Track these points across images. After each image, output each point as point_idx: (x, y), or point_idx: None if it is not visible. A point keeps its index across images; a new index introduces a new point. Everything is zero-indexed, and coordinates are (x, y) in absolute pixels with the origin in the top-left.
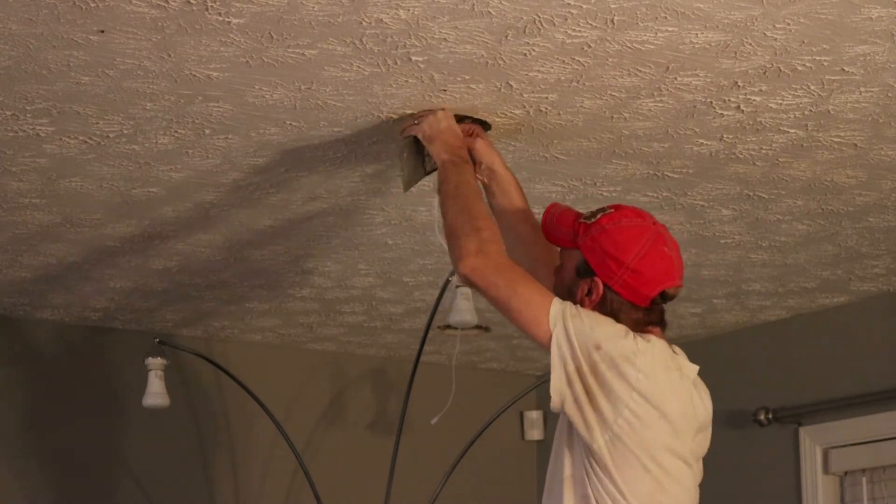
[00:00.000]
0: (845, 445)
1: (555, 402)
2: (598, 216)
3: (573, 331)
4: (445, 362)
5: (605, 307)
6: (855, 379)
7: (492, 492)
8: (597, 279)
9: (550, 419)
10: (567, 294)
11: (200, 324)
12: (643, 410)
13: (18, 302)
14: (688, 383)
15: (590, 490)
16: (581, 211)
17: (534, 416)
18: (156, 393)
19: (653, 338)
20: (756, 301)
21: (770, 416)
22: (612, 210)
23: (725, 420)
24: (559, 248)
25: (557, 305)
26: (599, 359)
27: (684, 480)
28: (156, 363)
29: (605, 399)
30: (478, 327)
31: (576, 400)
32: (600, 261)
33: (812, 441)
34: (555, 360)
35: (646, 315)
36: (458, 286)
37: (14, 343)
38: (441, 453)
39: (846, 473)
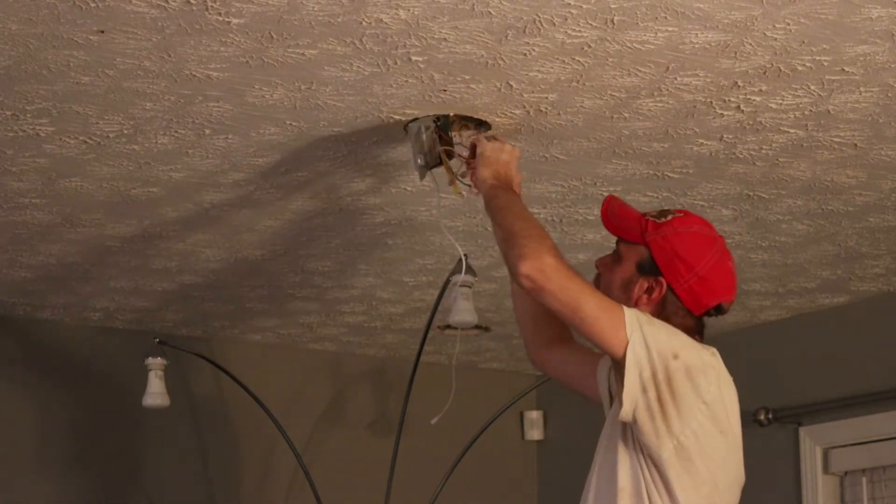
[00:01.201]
0: (845, 445)
1: (626, 410)
2: (669, 217)
3: (650, 338)
4: (445, 362)
5: (662, 309)
6: (855, 379)
7: (492, 492)
8: (661, 279)
9: (550, 419)
10: (621, 289)
11: (200, 324)
12: (709, 423)
13: (18, 302)
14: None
15: (647, 501)
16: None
17: (534, 416)
18: (156, 393)
19: (714, 350)
20: (756, 301)
21: (770, 416)
22: (682, 214)
23: None
24: (616, 240)
25: (631, 312)
26: (676, 368)
27: (729, 497)
28: (156, 363)
29: (675, 408)
30: (478, 327)
31: (648, 407)
32: (669, 261)
33: (812, 441)
34: (630, 367)
35: (696, 323)
36: (459, 286)
37: (14, 343)
38: (441, 453)
39: (846, 473)
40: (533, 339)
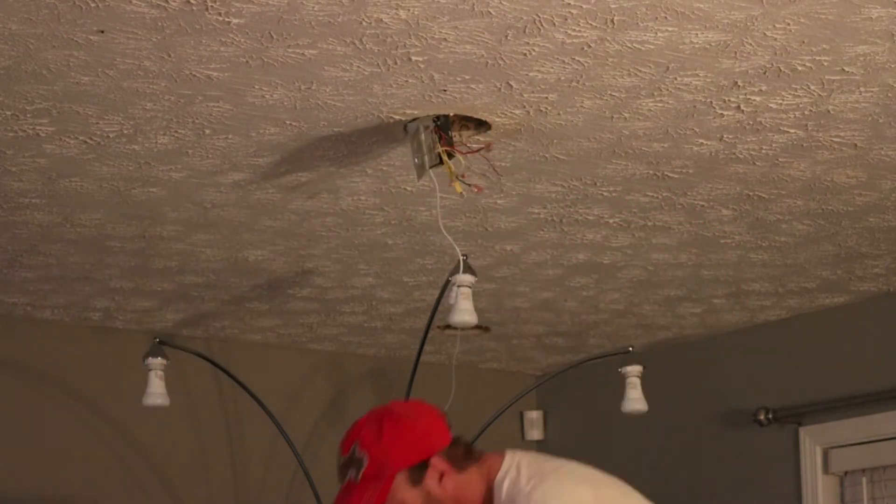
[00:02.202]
0: (845, 445)
1: None
2: (362, 451)
3: None
4: (445, 362)
5: (459, 467)
6: (855, 379)
7: None
8: (431, 461)
9: (550, 419)
10: None
11: (200, 324)
12: None
13: (18, 302)
14: None
15: None
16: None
17: (534, 416)
18: (156, 393)
19: (562, 477)
20: (756, 301)
21: (770, 416)
22: (356, 438)
23: (725, 420)
24: None
25: None
26: None
27: None
28: (156, 363)
29: None
30: (478, 327)
31: None
32: (411, 451)
33: (812, 441)
34: None
35: (461, 450)
36: (459, 286)
37: (14, 343)
38: None
39: (846, 473)
40: None
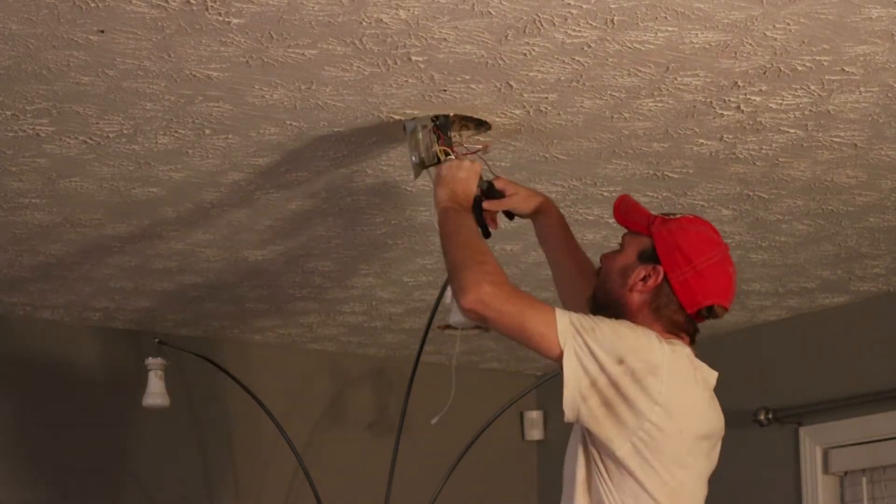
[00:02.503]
0: (845, 445)
1: (568, 416)
2: (677, 216)
3: (587, 346)
4: (445, 362)
5: (655, 298)
6: (855, 379)
7: (492, 492)
8: (659, 268)
9: (550, 419)
10: (619, 274)
11: (200, 324)
12: (664, 423)
13: (18, 302)
14: (709, 396)
15: (604, 496)
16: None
17: (534, 416)
18: (156, 393)
19: (678, 345)
20: (756, 301)
21: (770, 416)
22: (691, 216)
23: (725, 420)
24: (624, 232)
25: (563, 321)
26: (622, 372)
27: (698, 494)
28: (156, 363)
29: (628, 410)
30: (478, 327)
31: (592, 414)
32: (670, 252)
33: (812, 441)
34: (567, 377)
35: (686, 322)
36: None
37: (14, 343)
38: (441, 453)
39: (846, 473)
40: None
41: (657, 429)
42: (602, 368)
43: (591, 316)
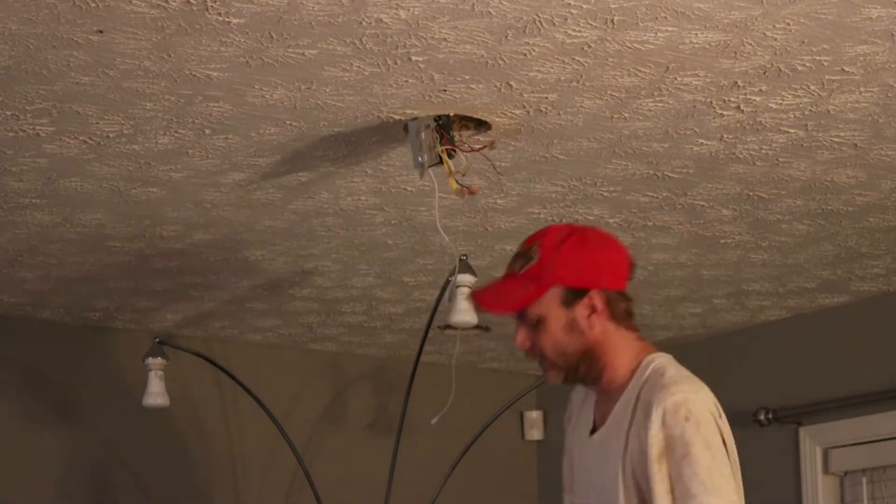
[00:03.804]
0: (845, 445)
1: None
2: (537, 251)
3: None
4: (445, 362)
5: (613, 314)
6: (855, 379)
7: (492, 492)
8: (591, 293)
9: (550, 419)
10: (567, 335)
11: (200, 324)
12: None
13: (18, 302)
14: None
15: None
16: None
17: (534, 416)
18: (156, 393)
19: (723, 413)
20: (756, 301)
21: (770, 416)
22: (540, 237)
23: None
24: (517, 317)
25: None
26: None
27: None
28: (156, 363)
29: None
30: (478, 327)
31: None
32: (578, 271)
33: (812, 441)
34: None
35: (627, 303)
36: (459, 286)
37: (14, 343)
38: (441, 453)
39: (846, 473)
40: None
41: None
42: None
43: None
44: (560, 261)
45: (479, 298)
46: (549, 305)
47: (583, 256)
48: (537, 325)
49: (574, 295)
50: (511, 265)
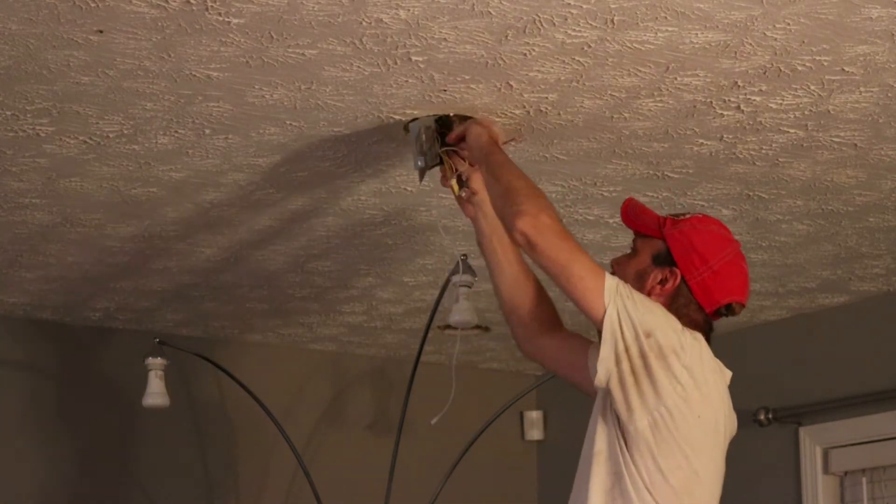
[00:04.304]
0: (845, 445)
1: (600, 379)
2: (687, 216)
3: (628, 311)
4: (445, 362)
5: (674, 300)
6: (855, 379)
7: (492, 492)
8: (676, 270)
9: (550, 419)
10: (635, 280)
11: (200, 324)
12: (683, 405)
13: (18, 302)
14: (726, 390)
15: (623, 468)
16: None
17: (534, 416)
18: (156, 393)
19: (700, 337)
20: (756, 301)
21: (770, 416)
22: (700, 216)
23: None
24: (634, 236)
25: (611, 281)
26: (648, 347)
27: (713, 491)
28: (156, 363)
29: (650, 384)
30: (478, 327)
31: (621, 380)
32: (685, 253)
33: (812, 441)
34: (606, 336)
35: (704, 321)
36: (459, 286)
37: (14, 343)
38: (441, 453)
39: (846, 473)
40: (521, 328)
41: (676, 408)
42: (636, 336)
43: (627, 284)
44: (688, 231)
45: (627, 203)
46: (646, 249)
47: (705, 249)
48: (631, 255)
49: (664, 259)
50: (674, 213)
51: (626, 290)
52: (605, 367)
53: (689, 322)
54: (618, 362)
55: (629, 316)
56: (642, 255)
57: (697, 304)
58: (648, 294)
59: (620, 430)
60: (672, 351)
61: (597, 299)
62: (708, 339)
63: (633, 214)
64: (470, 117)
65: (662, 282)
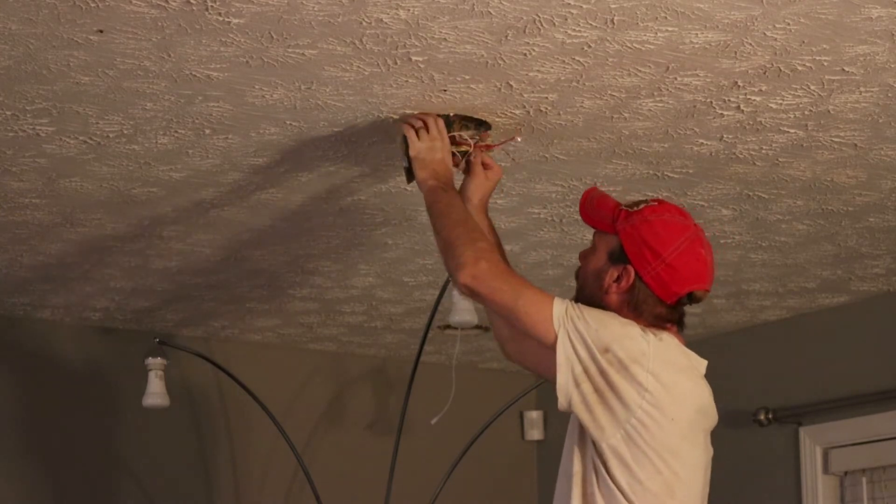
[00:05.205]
0: (845, 445)
1: (561, 404)
2: (641, 206)
3: (579, 333)
4: (445, 362)
5: (632, 297)
6: (855, 379)
7: (492, 492)
8: (629, 267)
9: (550, 419)
10: (594, 279)
11: (200, 324)
12: (655, 412)
13: (18, 302)
14: (701, 382)
15: (595, 488)
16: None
17: (534, 416)
18: (156, 393)
19: (665, 335)
20: (756, 301)
21: (770, 416)
22: (656, 203)
23: (725, 420)
24: (593, 232)
25: (560, 306)
26: (607, 363)
27: (694, 486)
28: (156, 363)
29: (616, 399)
30: (478, 327)
31: (584, 401)
32: (637, 249)
33: (812, 441)
34: (561, 362)
35: (668, 312)
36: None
37: (14, 343)
38: (441, 453)
39: (846, 473)
40: (504, 329)
41: (648, 416)
42: (592, 356)
43: (578, 304)
44: (639, 224)
45: (587, 195)
46: (602, 246)
47: (655, 241)
48: (591, 250)
49: (618, 257)
50: (632, 200)
51: (575, 310)
52: (563, 393)
53: (652, 317)
54: (577, 385)
55: (581, 336)
56: (599, 253)
57: (656, 298)
58: (606, 292)
59: (595, 452)
60: (633, 360)
61: (548, 329)
62: (681, 327)
63: (590, 208)
64: (470, 118)
65: (618, 279)
